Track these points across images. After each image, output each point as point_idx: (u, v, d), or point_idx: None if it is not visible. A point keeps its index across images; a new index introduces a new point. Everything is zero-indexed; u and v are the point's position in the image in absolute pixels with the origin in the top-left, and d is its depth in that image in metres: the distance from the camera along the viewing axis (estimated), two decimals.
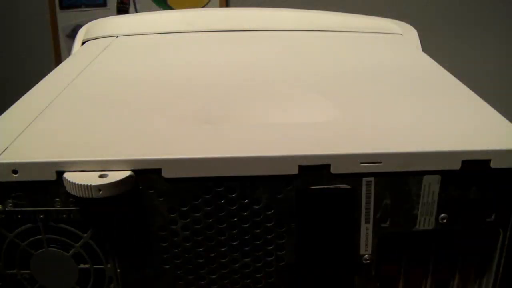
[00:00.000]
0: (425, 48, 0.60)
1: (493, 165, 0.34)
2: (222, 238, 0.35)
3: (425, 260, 0.38)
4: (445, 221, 0.36)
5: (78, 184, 0.32)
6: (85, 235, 0.35)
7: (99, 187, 0.32)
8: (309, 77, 0.48)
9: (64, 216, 0.35)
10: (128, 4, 1.31)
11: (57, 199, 0.34)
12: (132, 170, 0.33)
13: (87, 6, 1.31)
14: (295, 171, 0.33)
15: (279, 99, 0.44)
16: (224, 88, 0.46)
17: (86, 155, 0.33)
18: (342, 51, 0.58)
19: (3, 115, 0.41)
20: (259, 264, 0.36)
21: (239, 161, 0.33)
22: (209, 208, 0.35)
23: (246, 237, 0.36)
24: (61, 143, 0.35)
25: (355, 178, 0.34)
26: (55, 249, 0.36)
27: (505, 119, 0.38)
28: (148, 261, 0.36)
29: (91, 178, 0.32)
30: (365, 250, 0.36)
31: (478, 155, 0.34)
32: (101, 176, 0.32)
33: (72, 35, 1.26)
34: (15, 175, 0.33)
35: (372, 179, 0.34)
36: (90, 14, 1.30)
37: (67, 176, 0.32)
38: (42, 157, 0.33)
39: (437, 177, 0.34)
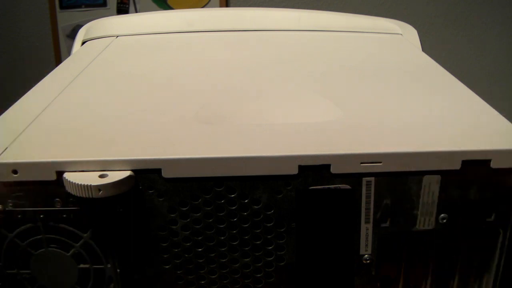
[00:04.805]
0: (425, 48, 0.60)
1: (493, 165, 0.34)
2: (222, 238, 0.35)
3: (425, 260, 0.38)
4: (445, 221, 0.36)
5: (78, 184, 0.32)
6: (85, 235, 0.35)
7: (99, 187, 0.32)
8: (309, 77, 0.48)
9: (64, 216, 0.34)
10: (128, 4, 1.31)
11: (57, 199, 0.34)
12: (132, 170, 0.33)
13: (87, 6, 1.31)
14: (295, 171, 0.33)
15: (279, 99, 0.44)
16: (224, 88, 0.46)
17: (86, 155, 0.33)
18: (342, 51, 0.58)
19: (3, 115, 0.41)
20: (259, 264, 0.36)
21: (239, 161, 0.33)
22: (209, 208, 0.35)
23: (246, 237, 0.36)
24: (61, 143, 0.35)
25: (355, 178, 0.34)
26: (55, 249, 0.36)
27: (505, 119, 0.38)
28: (148, 261, 0.36)
29: (91, 178, 0.32)
30: (365, 250, 0.36)
31: (478, 155, 0.34)
32: (101, 176, 0.32)
33: (72, 35, 1.26)
34: (15, 175, 0.33)
35: (372, 179, 0.34)
36: (90, 14, 1.30)
37: (67, 176, 0.32)
38: (42, 157, 0.33)
39: (437, 177, 0.34)
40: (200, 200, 0.34)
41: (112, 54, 0.58)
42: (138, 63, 0.54)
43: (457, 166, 0.34)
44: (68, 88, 0.46)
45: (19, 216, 0.34)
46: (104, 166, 0.33)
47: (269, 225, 0.35)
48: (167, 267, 0.36)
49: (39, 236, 0.35)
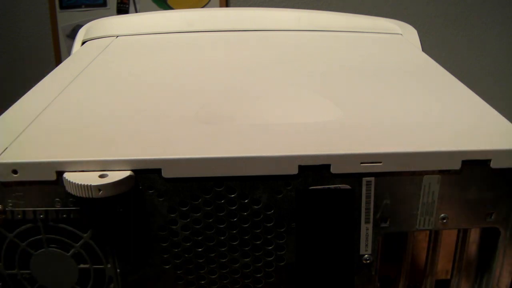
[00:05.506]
0: (425, 48, 0.60)
1: (493, 165, 0.34)
2: (222, 238, 0.35)
3: (425, 260, 0.38)
4: (445, 221, 0.36)
5: (78, 184, 0.32)
6: (85, 235, 0.35)
7: (99, 187, 0.32)
8: (309, 77, 0.48)
9: (64, 216, 0.35)
10: (128, 4, 1.31)
11: (57, 199, 0.34)
12: (132, 170, 0.33)
13: (87, 6, 1.31)
14: (295, 171, 0.33)
15: (279, 99, 0.44)
16: (224, 88, 0.46)
17: (86, 155, 0.33)
18: (342, 51, 0.58)
19: (3, 115, 0.41)
20: (259, 264, 0.36)
21: (239, 161, 0.33)
22: (209, 208, 0.35)
23: (246, 237, 0.36)
24: (61, 143, 0.35)
25: (355, 178, 0.34)
26: (55, 249, 0.36)
27: (505, 119, 0.38)
28: (148, 261, 0.36)
29: (91, 178, 0.32)
30: (365, 250, 0.36)
31: (478, 155, 0.34)
32: (101, 176, 0.32)
33: (72, 35, 1.26)
34: (15, 175, 0.33)
35: (372, 179, 0.34)
36: (90, 14, 1.30)
37: (67, 176, 0.32)
38: (42, 157, 0.33)
39: (437, 177, 0.34)
40: (200, 200, 0.34)
41: (112, 54, 0.58)
42: (138, 63, 0.54)
43: (457, 166, 0.34)
44: (68, 88, 0.46)
45: (19, 216, 0.34)
46: (104, 166, 0.33)
47: (269, 225, 0.35)
48: (167, 267, 0.36)
49: (39, 236, 0.35)
